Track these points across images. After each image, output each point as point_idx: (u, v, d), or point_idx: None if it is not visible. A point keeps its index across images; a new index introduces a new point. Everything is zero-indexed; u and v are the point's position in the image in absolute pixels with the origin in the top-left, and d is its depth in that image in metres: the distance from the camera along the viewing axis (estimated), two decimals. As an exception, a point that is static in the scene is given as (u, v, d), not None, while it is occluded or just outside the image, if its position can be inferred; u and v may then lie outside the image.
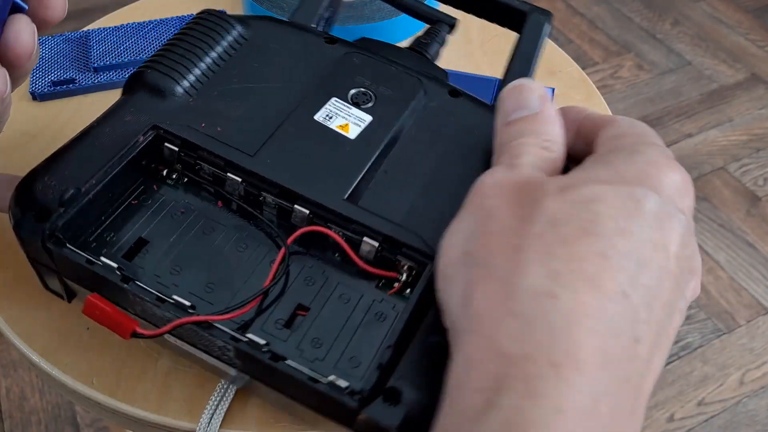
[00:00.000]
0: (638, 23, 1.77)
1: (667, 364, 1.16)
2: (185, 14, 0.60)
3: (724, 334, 1.20)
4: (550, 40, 0.61)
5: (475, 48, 0.59)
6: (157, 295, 0.31)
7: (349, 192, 0.35)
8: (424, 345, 0.31)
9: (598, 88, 0.57)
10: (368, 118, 0.38)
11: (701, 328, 1.21)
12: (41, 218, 0.32)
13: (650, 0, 1.84)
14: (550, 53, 0.60)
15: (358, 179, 0.35)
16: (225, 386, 0.37)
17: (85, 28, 0.59)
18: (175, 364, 0.38)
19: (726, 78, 1.64)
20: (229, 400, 0.36)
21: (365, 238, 0.34)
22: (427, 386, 0.29)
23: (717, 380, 1.15)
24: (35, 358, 0.38)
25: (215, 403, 0.36)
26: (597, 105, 0.55)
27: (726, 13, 1.81)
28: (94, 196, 0.34)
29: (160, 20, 0.59)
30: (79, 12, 1.70)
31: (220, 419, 0.36)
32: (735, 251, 1.31)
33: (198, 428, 0.36)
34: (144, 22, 0.58)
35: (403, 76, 0.41)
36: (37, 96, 0.53)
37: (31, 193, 0.33)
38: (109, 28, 0.58)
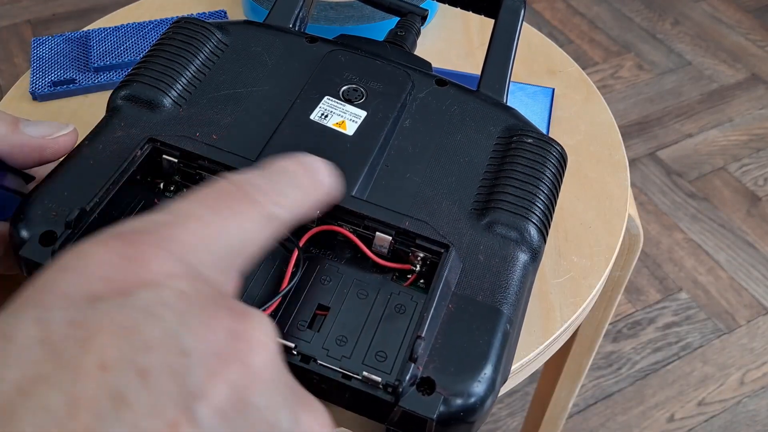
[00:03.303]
0: (638, 23, 1.77)
1: (667, 364, 1.16)
2: (185, 14, 0.60)
3: (724, 334, 1.20)
4: (549, 40, 0.61)
5: (475, 48, 0.59)
6: None
7: (356, 188, 0.35)
8: (448, 332, 0.31)
9: (598, 88, 0.57)
10: (362, 113, 0.38)
11: (701, 328, 1.21)
12: (47, 242, 0.31)
13: (650, 0, 1.84)
14: (550, 53, 0.60)
15: (363, 175, 0.36)
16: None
17: (85, 28, 0.59)
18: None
19: (726, 78, 1.64)
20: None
21: (378, 233, 0.34)
22: (456, 372, 0.30)
23: (717, 380, 1.15)
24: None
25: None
26: (597, 105, 0.55)
27: (726, 13, 1.81)
28: (99, 215, 0.33)
29: (160, 20, 0.59)
30: (79, 12, 1.70)
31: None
32: (735, 251, 1.31)
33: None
34: (144, 22, 0.58)
35: (391, 70, 0.41)
36: (37, 96, 0.53)
37: (33, 218, 0.33)
38: (109, 28, 0.58)
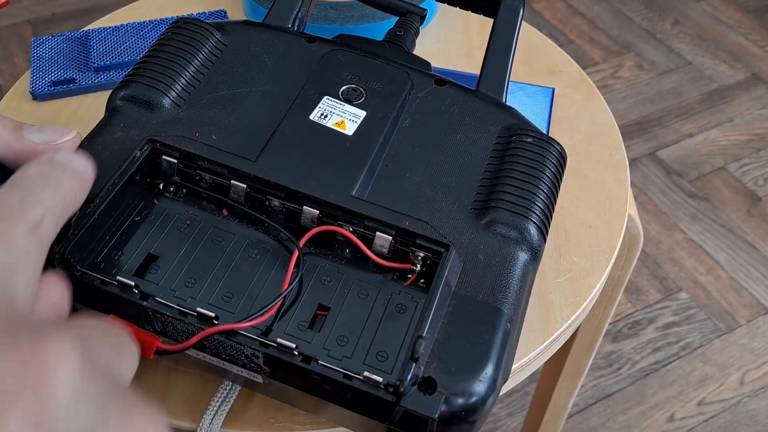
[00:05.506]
0: (638, 23, 1.77)
1: (667, 364, 1.16)
2: (185, 14, 0.60)
3: (724, 334, 1.20)
4: (549, 40, 0.61)
5: (474, 48, 0.59)
6: (179, 309, 0.31)
7: (356, 188, 0.35)
8: (449, 331, 0.31)
9: (598, 88, 0.57)
10: (362, 113, 0.38)
11: (701, 328, 1.21)
12: None
13: (650, 0, 1.84)
14: (550, 53, 0.60)
15: (363, 175, 0.36)
16: (228, 386, 0.37)
17: (85, 28, 0.59)
18: (176, 364, 0.38)
19: (726, 78, 1.64)
20: (232, 400, 0.36)
21: (378, 233, 0.34)
22: (457, 372, 0.30)
23: (717, 380, 1.15)
24: (35, 358, 0.38)
25: (218, 402, 0.36)
26: (597, 105, 0.55)
27: (726, 13, 1.81)
28: (99, 216, 0.33)
29: (160, 20, 0.59)
30: (79, 12, 1.70)
31: (222, 419, 0.36)
32: (735, 251, 1.31)
33: (200, 428, 0.36)
34: (144, 22, 0.58)
35: (390, 70, 0.41)
36: (37, 96, 0.53)
37: None
38: (109, 28, 0.58)
